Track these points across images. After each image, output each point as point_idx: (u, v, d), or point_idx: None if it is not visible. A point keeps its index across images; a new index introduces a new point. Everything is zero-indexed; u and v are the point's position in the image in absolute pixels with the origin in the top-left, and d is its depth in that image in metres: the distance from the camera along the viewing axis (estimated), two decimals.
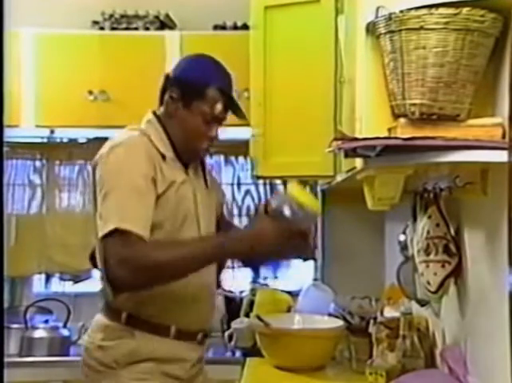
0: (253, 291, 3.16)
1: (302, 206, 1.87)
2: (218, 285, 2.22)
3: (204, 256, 1.86)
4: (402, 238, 2.32)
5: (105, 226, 1.82)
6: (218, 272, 2.16)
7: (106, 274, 1.84)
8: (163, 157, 1.96)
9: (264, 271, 1.93)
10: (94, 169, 1.95)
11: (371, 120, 1.62)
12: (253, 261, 1.93)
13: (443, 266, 1.88)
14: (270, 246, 1.81)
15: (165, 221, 1.93)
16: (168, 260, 1.81)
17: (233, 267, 3.11)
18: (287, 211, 1.87)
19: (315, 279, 3.40)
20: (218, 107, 1.98)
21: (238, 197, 3.62)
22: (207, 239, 1.96)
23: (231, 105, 2.02)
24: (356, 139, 1.56)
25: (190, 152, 2.03)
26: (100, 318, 2.05)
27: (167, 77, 2.03)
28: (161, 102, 2.05)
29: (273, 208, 1.89)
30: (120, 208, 1.83)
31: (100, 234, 1.83)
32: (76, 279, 3.57)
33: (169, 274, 1.84)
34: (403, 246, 2.31)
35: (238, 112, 2.05)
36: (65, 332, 3.25)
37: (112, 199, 1.85)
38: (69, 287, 3.61)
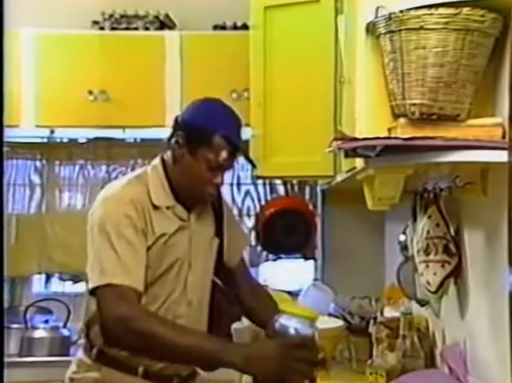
0: None
1: (305, 320, 1.80)
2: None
3: (197, 353, 1.74)
4: (402, 238, 2.33)
5: (99, 279, 1.81)
6: (210, 325, 2.07)
7: (101, 325, 1.83)
8: (156, 207, 1.93)
9: None
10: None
11: (371, 120, 1.62)
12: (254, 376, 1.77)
13: (442, 266, 1.88)
14: (272, 366, 1.67)
15: (147, 269, 1.90)
16: (163, 337, 1.74)
17: None
18: (292, 330, 1.78)
19: (315, 279, 3.40)
20: (223, 155, 1.92)
21: (238, 198, 3.62)
22: (209, 339, 1.84)
23: (237, 153, 1.99)
24: (356, 139, 1.56)
25: (194, 197, 2.01)
26: (79, 350, 2.07)
27: (176, 121, 2.00)
28: (169, 146, 2.01)
29: (276, 329, 1.80)
30: (113, 261, 1.82)
31: (93, 285, 1.81)
32: (76, 279, 3.57)
33: (157, 351, 1.78)
34: (403, 246, 2.31)
35: (246, 157, 2.03)
36: (65, 332, 3.25)
37: (103, 251, 1.84)
38: (69, 287, 3.61)
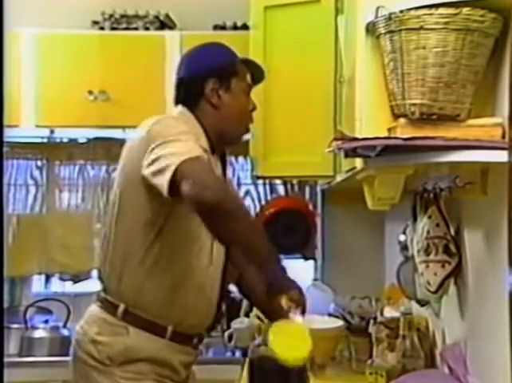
0: None
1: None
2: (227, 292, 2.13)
3: (260, 245, 1.74)
4: (402, 238, 2.33)
5: (179, 157, 1.71)
6: (223, 279, 2.06)
7: (193, 183, 1.69)
8: None
9: None
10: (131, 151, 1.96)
11: (371, 120, 1.62)
12: None
13: (443, 266, 1.88)
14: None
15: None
16: (243, 212, 1.79)
17: None
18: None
19: (315, 279, 3.40)
20: (248, 76, 2.07)
21: None
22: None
23: (254, 70, 2.11)
24: (356, 139, 1.56)
25: (235, 135, 2.08)
26: (95, 310, 1.99)
27: (184, 80, 2.06)
28: (177, 103, 2.07)
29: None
30: (184, 145, 1.78)
31: (174, 167, 1.70)
32: (76, 279, 3.57)
33: (232, 218, 1.69)
34: (403, 246, 2.31)
35: (259, 72, 2.13)
36: (65, 332, 3.24)
37: (172, 144, 1.78)
38: (69, 287, 3.60)
